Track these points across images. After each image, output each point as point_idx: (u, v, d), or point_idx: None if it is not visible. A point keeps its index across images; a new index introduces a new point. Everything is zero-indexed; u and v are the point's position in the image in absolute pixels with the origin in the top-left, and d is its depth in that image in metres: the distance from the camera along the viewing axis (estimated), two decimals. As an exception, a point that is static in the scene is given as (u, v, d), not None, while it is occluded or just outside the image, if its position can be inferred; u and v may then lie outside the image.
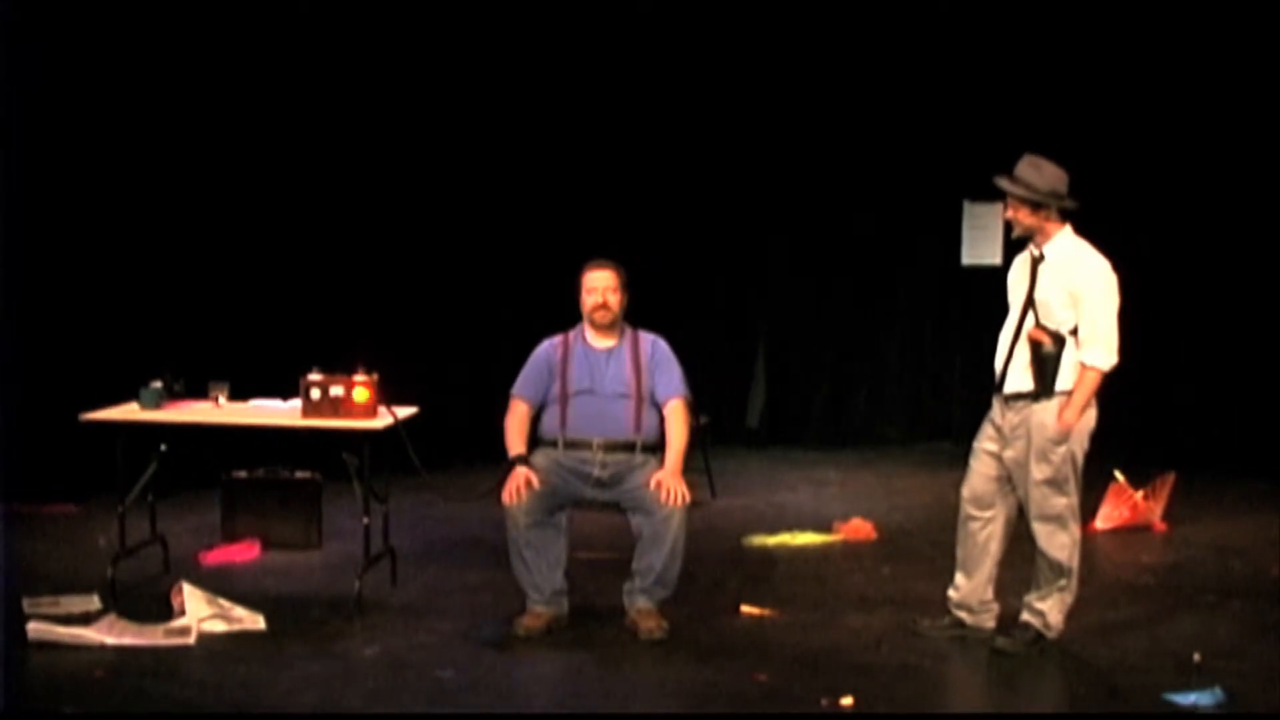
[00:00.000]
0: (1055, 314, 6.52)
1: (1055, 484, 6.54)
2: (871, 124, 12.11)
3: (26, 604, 6.97)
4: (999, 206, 11.25)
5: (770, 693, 6.21)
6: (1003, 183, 6.60)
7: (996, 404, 6.75)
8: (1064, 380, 6.50)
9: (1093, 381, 6.47)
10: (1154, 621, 7.32)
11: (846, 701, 6.04)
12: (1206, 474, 10.53)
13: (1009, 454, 6.66)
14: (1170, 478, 9.47)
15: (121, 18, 9.77)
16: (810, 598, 7.71)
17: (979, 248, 12.25)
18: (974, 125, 11.68)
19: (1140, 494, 9.34)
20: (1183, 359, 11.65)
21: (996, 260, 11.78)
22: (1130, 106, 11.54)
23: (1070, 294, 6.49)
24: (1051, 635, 6.72)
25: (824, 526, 9.23)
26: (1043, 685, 6.54)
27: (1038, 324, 6.55)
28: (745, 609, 7.41)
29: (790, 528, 9.21)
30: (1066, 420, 6.45)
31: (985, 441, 6.80)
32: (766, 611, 7.39)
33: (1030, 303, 6.59)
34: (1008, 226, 6.74)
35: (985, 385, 6.86)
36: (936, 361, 12.71)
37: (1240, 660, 6.63)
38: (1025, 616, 6.76)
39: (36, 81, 9.38)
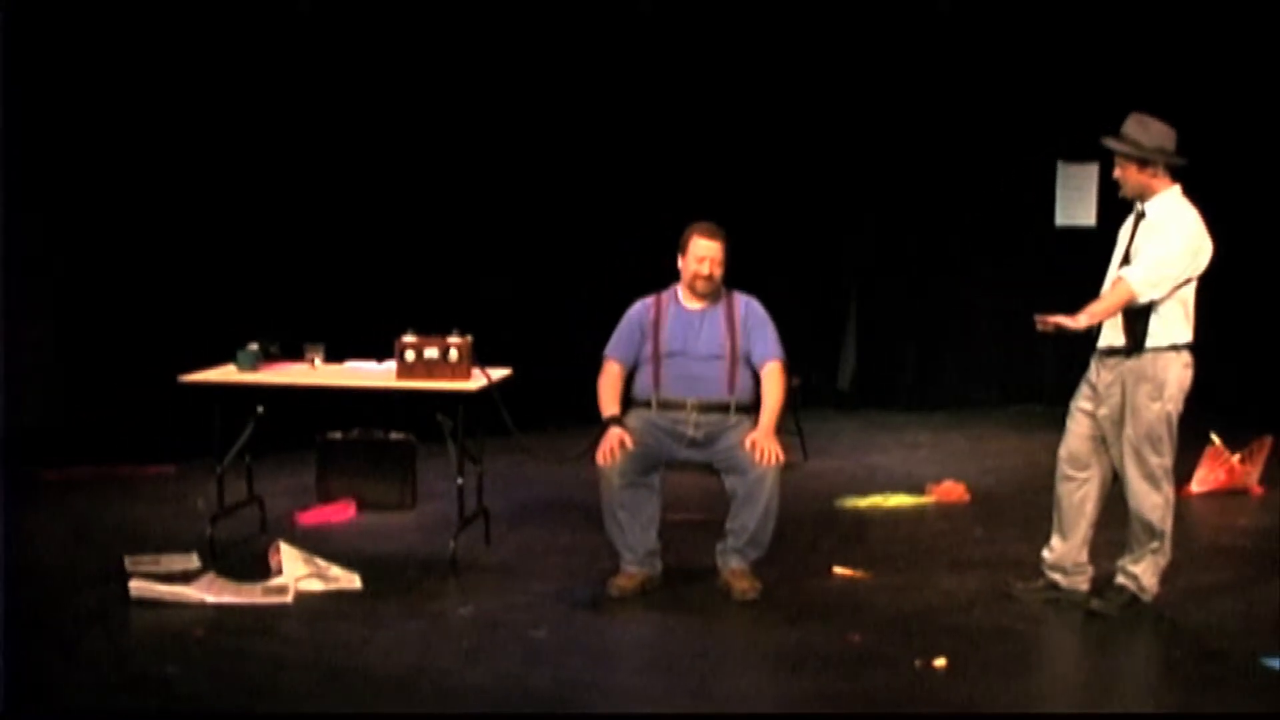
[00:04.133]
0: (1148, 269, 6.50)
1: (1149, 442, 6.50)
2: (966, 84, 12.02)
3: (129, 562, 7.09)
4: (1093, 167, 11.29)
5: (863, 654, 6.21)
6: (1109, 141, 6.56)
7: (1093, 362, 6.73)
8: (1155, 337, 6.46)
9: (1120, 296, 6.45)
10: (1250, 585, 7.26)
11: (939, 663, 6.03)
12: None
13: (1103, 411, 6.63)
14: (1267, 441, 9.37)
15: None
16: (903, 559, 7.70)
17: (1073, 208, 12.14)
18: (1069, 85, 11.57)
19: (1237, 457, 9.24)
20: (1280, 320, 11.53)
21: (1091, 221, 11.70)
22: (1229, 62, 11.38)
23: None
24: (1146, 598, 6.69)
25: (916, 488, 9.21)
26: (1137, 648, 6.50)
27: (1132, 280, 6.53)
28: (838, 570, 7.42)
29: (882, 490, 9.20)
30: (1082, 314, 6.43)
31: (1081, 400, 6.77)
32: (859, 573, 7.39)
33: (1126, 258, 6.55)
34: (1104, 187, 6.70)
35: (1077, 347, 6.81)
36: (1028, 323, 12.57)
37: (1339, 624, 6.57)
38: (1119, 579, 6.72)
39: (134, 52, 9.55)
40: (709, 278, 7.03)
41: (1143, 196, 6.58)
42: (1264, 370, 11.58)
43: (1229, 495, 9.13)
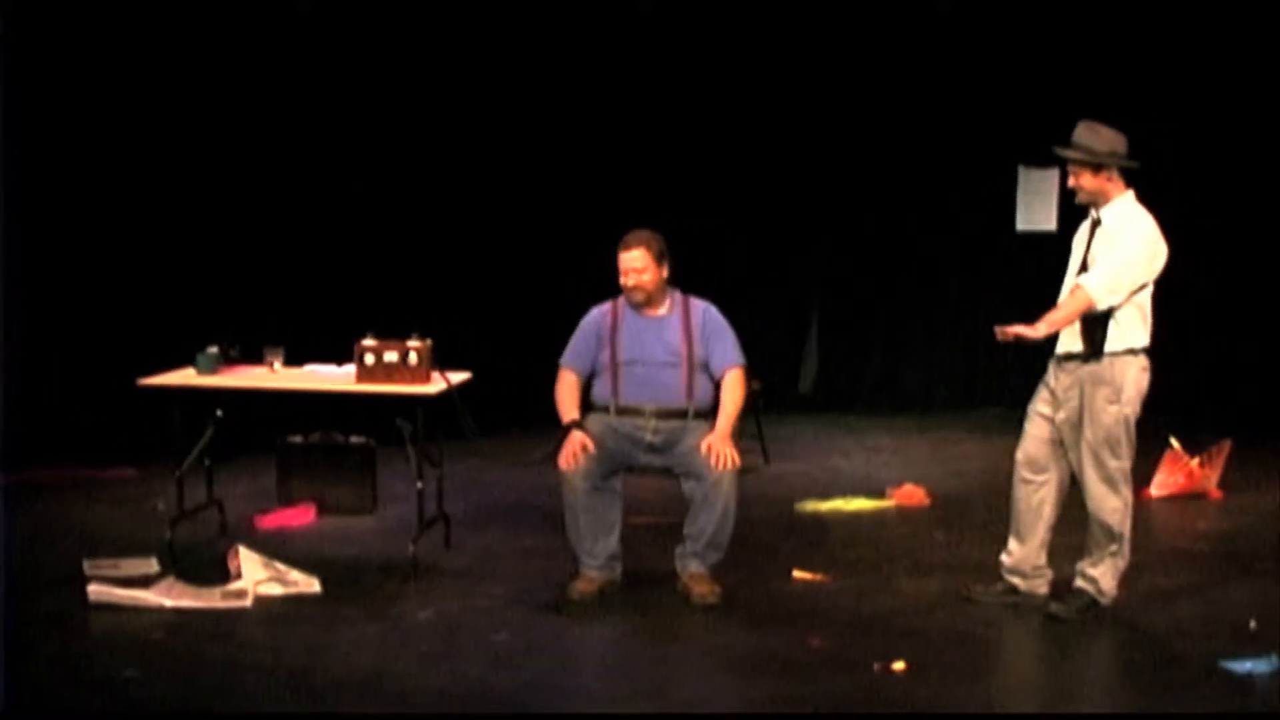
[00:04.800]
0: (1105, 276, 6.53)
1: (1108, 445, 6.53)
2: (926, 89, 12.05)
3: (87, 566, 7.07)
4: (1054, 172, 11.33)
5: (823, 657, 6.22)
6: (1061, 150, 6.59)
7: (1051, 367, 6.75)
8: (1113, 342, 6.49)
9: (1079, 304, 6.47)
10: (1209, 588, 7.29)
11: (899, 666, 6.04)
12: (1263, 442, 10.42)
13: (1061, 416, 6.65)
14: (1226, 445, 9.41)
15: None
16: (863, 563, 7.71)
17: (1034, 213, 12.19)
18: (1028, 90, 11.61)
19: (1196, 461, 9.28)
20: (1239, 324, 11.58)
21: (1051, 226, 11.74)
22: (1186, 68, 11.44)
23: None
24: (1105, 602, 6.71)
25: (877, 492, 9.23)
26: (1096, 651, 6.51)
27: (1090, 285, 6.56)
28: (798, 574, 7.43)
29: (843, 493, 9.21)
30: (1041, 323, 6.45)
31: (1039, 404, 6.79)
32: (819, 576, 7.40)
33: (1084, 266, 6.58)
34: (1064, 192, 6.73)
35: (1038, 351, 6.84)
36: (989, 327, 12.60)
37: (1296, 627, 6.60)
38: (1078, 583, 6.75)
39: (109, 50, 9.52)
40: (635, 288, 7.00)
41: (1098, 202, 6.60)
42: (1222, 374, 11.64)
43: (1188, 499, 9.16)
